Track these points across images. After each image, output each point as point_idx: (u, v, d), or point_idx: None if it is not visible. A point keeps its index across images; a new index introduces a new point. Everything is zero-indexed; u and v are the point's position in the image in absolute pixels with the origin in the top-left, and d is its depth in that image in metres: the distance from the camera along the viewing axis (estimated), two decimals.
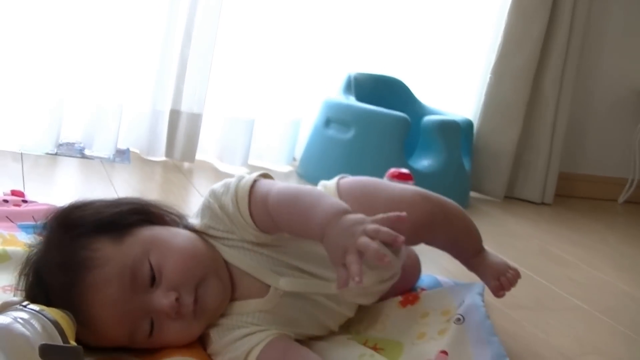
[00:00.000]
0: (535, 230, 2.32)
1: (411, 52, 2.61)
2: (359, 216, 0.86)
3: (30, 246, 0.97)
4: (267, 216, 0.97)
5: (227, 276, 1.00)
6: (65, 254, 0.92)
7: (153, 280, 0.93)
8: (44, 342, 0.74)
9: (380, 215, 0.85)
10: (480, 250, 1.27)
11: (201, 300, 0.95)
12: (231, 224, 0.99)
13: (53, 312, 0.82)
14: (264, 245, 1.01)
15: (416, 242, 1.25)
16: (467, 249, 1.26)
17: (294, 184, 1.04)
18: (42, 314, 0.80)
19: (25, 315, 0.78)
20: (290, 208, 0.95)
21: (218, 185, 1.02)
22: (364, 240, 0.81)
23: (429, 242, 1.25)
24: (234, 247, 1.01)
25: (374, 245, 0.80)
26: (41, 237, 0.96)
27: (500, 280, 1.23)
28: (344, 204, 0.91)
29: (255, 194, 0.98)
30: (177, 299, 0.92)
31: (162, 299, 0.92)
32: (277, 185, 1.00)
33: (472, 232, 1.26)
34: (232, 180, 1.01)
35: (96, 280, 0.90)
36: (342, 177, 1.22)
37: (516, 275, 1.25)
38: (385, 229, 0.82)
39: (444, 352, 1.00)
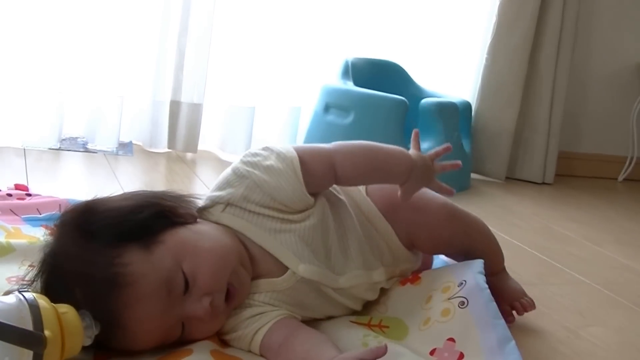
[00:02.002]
0: (537, 209, 2.34)
1: (407, 35, 2.62)
2: (423, 160, 1.11)
3: (45, 248, 0.92)
4: (322, 175, 1.05)
5: (248, 261, 1.00)
6: (93, 267, 0.88)
7: (186, 287, 0.91)
8: None
9: (432, 152, 1.14)
10: (499, 270, 1.26)
11: (232, 295, 0.96)
12: (274, 188, 1.00)
13: (53, 305, 0.82)
14: (288, 230, 1.01)
15: (433, 252, 1.27)
16: (486, 266, 1.23)
17: (349, 142, 1.11)
18: (26, 298, 0.80)
19: (6, 299, 0.80)
20: (367, 167, 1.08)
21: (249, 157, 1.03)
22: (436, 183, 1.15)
23: (447, 255, 1.27)
24: (260, 227, 1.01)
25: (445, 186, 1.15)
26: (56, 238, 0.92)
27: (514, 304, 1.23)
28: (407, 154, 1.11)
29: (306, 156, 1.03)
30: (211, 303, 0.92)
31: (197, 306, 0.91)
32: (330, 147, 1.07)
33: (492, 251, 1.24)
34: (268, 151, 1.03)
35: (131, 298, 0.87)
36: None
37: (530, 305, 1.24)
38: (447, 164, 1.15)
39: (451, 340, 1.00)
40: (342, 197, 1.12)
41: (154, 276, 0.89)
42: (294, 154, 1.02)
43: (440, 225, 1.14)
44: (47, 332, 0.78)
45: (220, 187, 1.04)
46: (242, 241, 1.01)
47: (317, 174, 1.03)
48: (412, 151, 1.12)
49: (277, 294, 1.01)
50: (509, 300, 1.23)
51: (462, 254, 1.20)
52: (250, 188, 1.01)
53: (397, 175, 1.09)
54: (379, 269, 1.12)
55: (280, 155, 1.02)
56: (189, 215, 0.99)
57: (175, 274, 0.90)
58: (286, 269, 1.01)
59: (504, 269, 1.28)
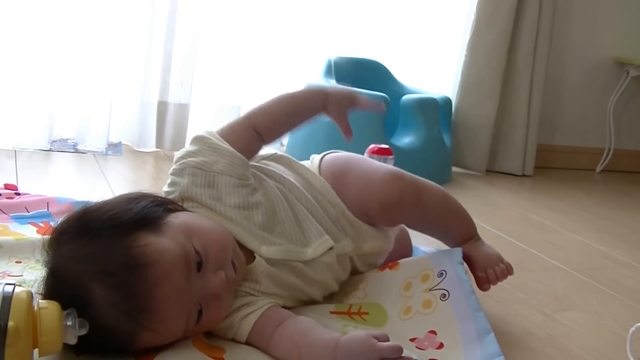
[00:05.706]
0: (516, 199, 2.38)
1: (389, 34, 2.66)
2: (339, 88, 1.20)
3: (47, 263, 0.91)
4: (248, 140, 1.11)
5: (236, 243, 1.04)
6: (109, 257, 0.87)
7: (199, 265, 0.93)
8: None
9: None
10: (470, 237, 1.24)
11: (236, 269, 0.98)
12: (212, 163, 1.04)
13: (30, 299, 0.81)
14: (243, 217, 1.04)
15: (388, 223, 1.23)
16: (452, 234, 1.23)
17: (261, 104, 1.20)
18: (3, 290, 0.80)
19: None
20: (284, 111, 1.18)
21: (177, 155, 1.08)
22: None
23: (407, 224, 1.26)
24: (220, 215, 1.03)
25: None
26: (57, 248, 0.90)
27: (487, 272, 1.19)
28: (318, 86, 1.10)
29: (226, 129, 1.12)
30: (225, 276, 0.94)
31: (214, 280, 0.93)
32: (245, 114, 1.17)
33: (455, 216, 1.23)
34: (190, 142, 1.08)
35: (156, 275, 0.87)
36: (330, 153, 1.26)
37: (507, 270, 1.20)
38: (370, 102, 1.22)
39: (433, 332, 1.02)
40: (288, 177, 1.15)
41: (172, 251, 0.90)
42: (212, 130, 1.09)
43: (388, 188, 1.12)
44: (11, 323, 0.77)
45: (169, 187, 1.07)
46: None
47: (242, 138, 1.09)
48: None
49: (253, 284, 1.04)
50: (483, 268, 1.20)
51: (419, 221, 1.20)
52: (192, 174, 1.04)
53: (314, 106, 1.17)
54: (345, 239, 1.15)
55: (198, 138, 1.07)
56: (176, 205, 1.03)
57: (190, 248, 0.92)
58: (254, 256, 1.04)
59: (475, 236, 1.25)
